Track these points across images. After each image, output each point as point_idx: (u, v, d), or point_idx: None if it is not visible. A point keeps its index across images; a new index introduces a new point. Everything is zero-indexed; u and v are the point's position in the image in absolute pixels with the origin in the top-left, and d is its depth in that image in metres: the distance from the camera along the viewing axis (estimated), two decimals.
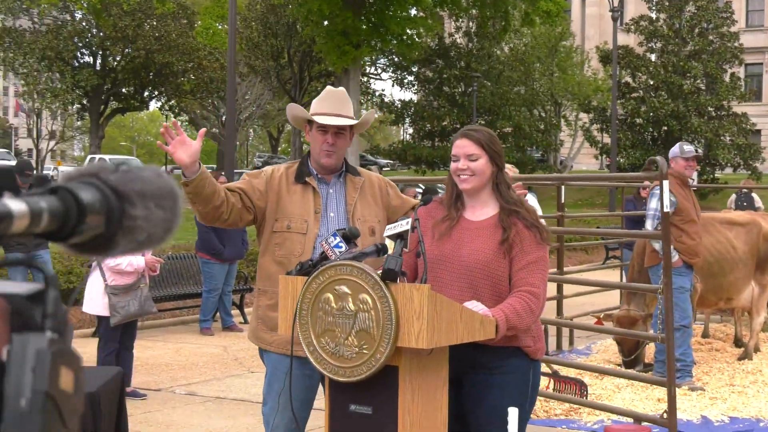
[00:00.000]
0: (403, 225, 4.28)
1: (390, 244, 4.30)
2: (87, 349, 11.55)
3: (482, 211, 4.62)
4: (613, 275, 18.83)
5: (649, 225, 9.87)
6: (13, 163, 13.37)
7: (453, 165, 4.65)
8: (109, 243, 1.40)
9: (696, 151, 10.00)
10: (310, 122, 5.27)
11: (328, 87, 5.35)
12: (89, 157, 49.25)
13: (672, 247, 9.63)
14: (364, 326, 4.07)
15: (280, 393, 5.07)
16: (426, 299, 3.95)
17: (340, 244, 4.44)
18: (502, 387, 4.51)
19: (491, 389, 4.51)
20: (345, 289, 4.13)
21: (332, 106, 5.23)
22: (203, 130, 5.09)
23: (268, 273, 5.21)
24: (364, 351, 4.06)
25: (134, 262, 9.19)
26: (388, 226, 4.36)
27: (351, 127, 5.30)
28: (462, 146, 4.62)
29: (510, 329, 4.32)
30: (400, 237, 4.27)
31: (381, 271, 4.05)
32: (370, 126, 5.41)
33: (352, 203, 5.26)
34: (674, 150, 10.07)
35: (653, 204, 9.85)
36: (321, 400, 5.27)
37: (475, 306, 4.26)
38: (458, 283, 4.48)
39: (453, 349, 4.25)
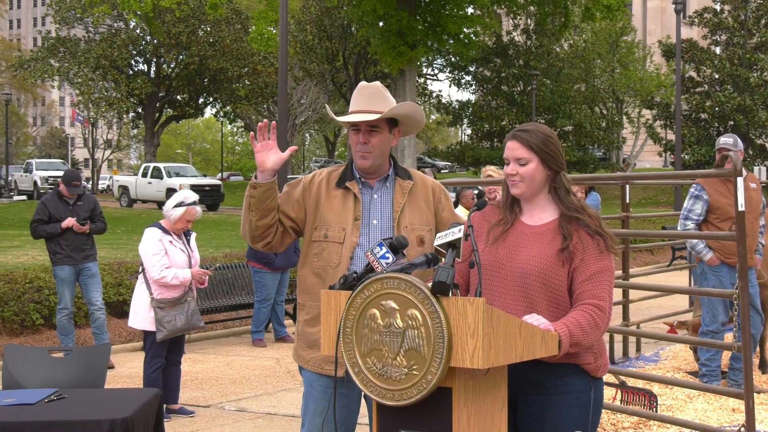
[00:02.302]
0: (455, 233, 3.97)
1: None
2: (135, 364, 11.40)
3: (540, 215, 4.30)
4: (681, 276, 18.38)
5: (679, 225, 9.57)
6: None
7: (504, 168, 4.33)
8: None
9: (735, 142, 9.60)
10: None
11: (361, 83, 4.98)
12: (144, 165, 49.43)
13: (704, 244, 9.31)
14: (414, 345, 3.75)
15: (316, 414, 4.80)
16: (481, 314, 3.61)
17: (387, 255, 4.13)
18: (560, 409, 4.17)
19: (549, 412, 4.17)
20: (392, 304, 3.81)
21: (363, 102, 4.88)
22: (294, 147, 4.85)
23: (307, 286, 4.92)
24: (414, 372, 3.74)
25: (180, 274, 8.94)
26: (438, 235, 4.04)
27: (393, 124, 4.95)
28: (511, 149, 4.29)
29: (573, 346, 4.00)
30: (452, 246, 3.96)
31: (431, 283, 3.73)
32: (423, 124, 5.02)
33: (399, 209, 4.90)
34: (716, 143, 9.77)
35: (685, 203, 9.54)
36: (363, 417, 5.01)
37: (535, 320, 3.93)
38: (512, 291, 4.16)
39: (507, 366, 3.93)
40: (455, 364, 3.68)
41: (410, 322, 3.76)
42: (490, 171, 10.50)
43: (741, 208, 6.64)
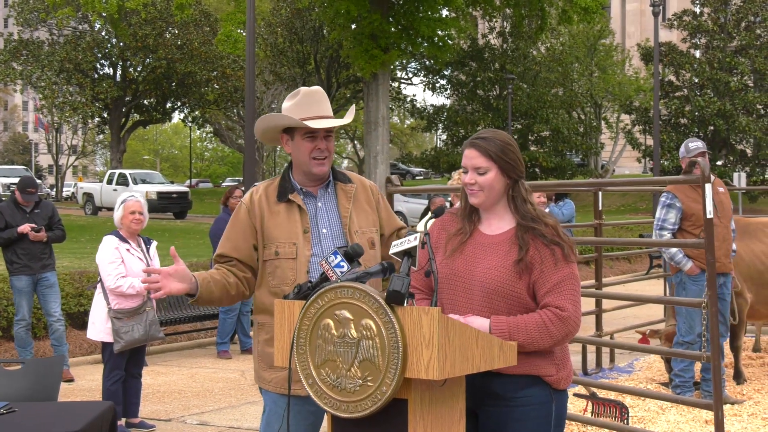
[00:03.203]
0: (411, 241, 4.00)
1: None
2: (96, 377, 11.36)
3: (498, 224, 4.32)
4: (657, 285, 18.46)
5: (654, 236, 9.58)
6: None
7: (462, 177, 4.36)
8: None
9: (704, 146, 9.65)
10: (289, 131, 4.92)
11: (303, 88, 4.96)
12: (109, 171, 49.25)
13: (683, 254, 9.32)
14: (368, 355, 3.78)
15: None
16: (436, 324, 3.64)
17: (342, 264, 4.15)
18: (520, 422, 4.19)
19: (509, 424, 4.19)
20: (346, 314, 3.83)
21: (315, 108, 4.87)
22: (173, 248, 4.76)
23: (265, 305, 4.87)
24: (369, 383, 3.77)
25: (136, 284, 8.92)
26: (394, 243, 4.06)
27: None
28: (470, 157, 4.31)
29: (520, 346, 4.05)
30: (407, 254, 3.98)
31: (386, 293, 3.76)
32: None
33: (347, 215, 4.92)
34: (681, 150, 9.75)
35: (657, 213, 9.54)
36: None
37: (471, 320, 4.02)
38: (470, 304, 4.19)
39: (466, 377, 3.96)
40: (410, 375, 3.70)
41: (365, 333, 3.78)
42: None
43: (709, 215, 6.70)
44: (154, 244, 9.50)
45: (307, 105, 4.87)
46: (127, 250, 9.07)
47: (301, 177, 4.95)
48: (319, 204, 4.93)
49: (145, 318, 9.03)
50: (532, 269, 4.16)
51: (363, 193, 5.05)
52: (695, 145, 9.61)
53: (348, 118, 5.05)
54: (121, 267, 8.95)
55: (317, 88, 4.96)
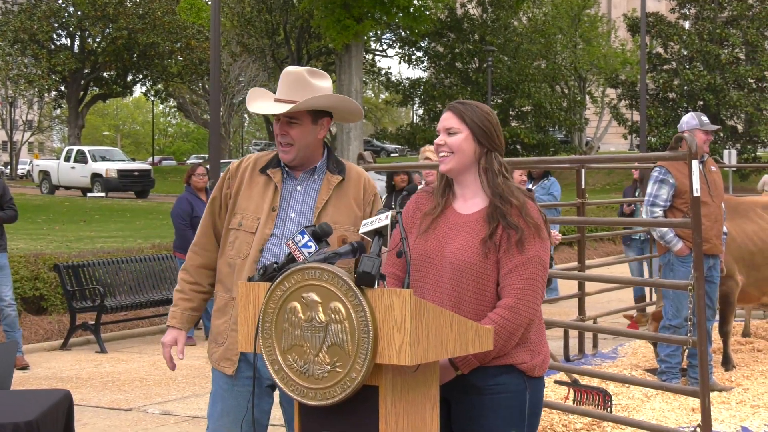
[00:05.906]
0: (382, 220, 3.99)
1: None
2: (52, 364, 11.38)
3: (473, 201, 4.31)
4: (644, 269, 18.54)
5: (643, 213, 9.58)
6: None
7: (435, 142, 4.38)
8: None
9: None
10: None
11: (287, 68, 4.95)
12: (67, 148, 49.00)
13: (674, 233, 9.30)
14: (337, 340, 3.76)
15: (222, 414, 4.81)
16: (408, 307, 3.63)
17: (309, 244, 4.14)
18: (493, 411, 4.20)
19: (481, 413, 4.21)
20: (314, 296, 3.82)
21: (283, 90, 4.85)
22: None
23: (221, 276, 4.94)
24: (338, 369, 3.76)
25: None
26: (364, 222, 4.05)
27: (321, 114, 4.89)
28: (443, 119, 4.35)
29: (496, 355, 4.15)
30: (378, 234, 3.98)
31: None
32: (358, 113, 4.97)
33: (320, 205, 4.87)
34: (690, 121, 9.65)
35: (649, 188, 9.50)
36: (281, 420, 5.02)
37: None
38: (440, 285, 4.20)
39: None
40: (381, 360, 3.69)
41: (333, 316, 3.77)
42: (429, 152, 10.34)
43: (696, 193, 6.72)
44: None
45: (281, 86, 4.89)
46: None
47: None
48: (299, 187, 4.90)
49: None
50: (499, 248, 4.18)
51: (354, 189, 4.98)
52: (696, 121, 9.53)
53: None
54: None
55: (299, 69, 4.92)
